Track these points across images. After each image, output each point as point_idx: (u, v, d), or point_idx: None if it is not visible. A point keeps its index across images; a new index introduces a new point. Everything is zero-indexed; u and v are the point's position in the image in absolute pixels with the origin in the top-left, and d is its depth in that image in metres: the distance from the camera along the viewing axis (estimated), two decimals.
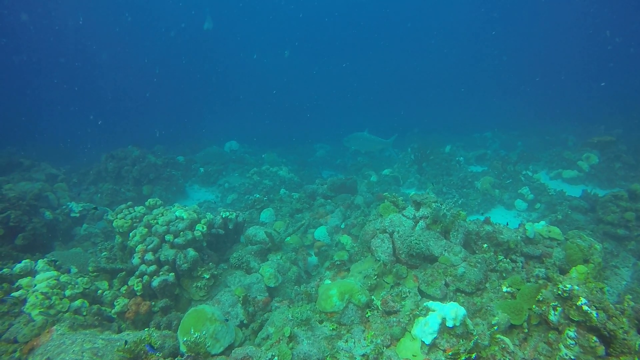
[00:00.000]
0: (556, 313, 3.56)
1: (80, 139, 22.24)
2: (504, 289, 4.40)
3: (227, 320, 4.82)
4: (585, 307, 3.30)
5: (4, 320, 4.86)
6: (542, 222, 6.31)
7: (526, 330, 3.88)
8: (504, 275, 5.08)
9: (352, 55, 44.56)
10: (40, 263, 5.88)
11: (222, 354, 4.34)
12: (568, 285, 3.50)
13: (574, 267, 4.06)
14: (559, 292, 3.54)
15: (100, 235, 9.59)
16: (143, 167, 13.47)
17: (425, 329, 3.77)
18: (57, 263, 6.25)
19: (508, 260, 5.36)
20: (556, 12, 37.19)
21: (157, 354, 3.48)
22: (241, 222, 7.42)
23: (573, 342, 3.34)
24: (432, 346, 3.77)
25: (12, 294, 5.03)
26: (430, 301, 4.08)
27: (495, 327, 3.63)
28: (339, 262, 6.03)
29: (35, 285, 5.23)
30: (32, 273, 5.60)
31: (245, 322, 5.33)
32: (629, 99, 24.95)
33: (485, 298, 4.51)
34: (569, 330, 3.41)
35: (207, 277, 5.72)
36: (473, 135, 23.18)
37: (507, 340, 3.63)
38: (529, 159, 15.64)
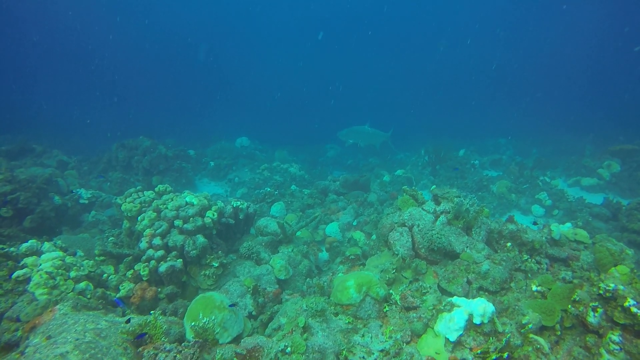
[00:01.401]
0: (596, 315, 3.27)
1: (93, 130, 22.28)
2: (534, 287, 4.11)
3: (235, 305, 4.58)
4: (634, 309, 3.01)
5: (8, 298, 4.69)
6: (568, 224, 5.99)
7: (559, 333, 3.59)
8: (530, 275, 4.79)
9: (364, 57, 44.36)
10: (47, 244, 5.72)
11: (230, 343, 4.11)
12: (612, 285, 3.21)
13: (613, 268, 3.76)
14: (601, 291, 3.25)
15: (107, 223, 9.45)
16: (153, 157, 13.37)
17: (450, 325, 3.49)
18: (64, 246, 6.09)
19: (534, 260, 5.07)
20: (572, 19, 36.57)
21: (125, 309, 3.27)
22: (252, 213, 7.20)
23: (618, 347, 3.04)
24: (457, 344, 3.49)
25: (16, 272, 4.86)
26: (455, 297, 3.80)
27: (530, 326, 3.33)
28: (352, 257, 5.78)
29: (40, 265, 5.06)
30: (37, 253, 5.44)
31: (254, 313, 5.09)
32: None
33: (511, 297, 4.23)
34: (613, 334, 3.12)
35: (216, 265, 5.50)
36: (486, 141, 22.78)
37: (541, 340, 3.34)
38: (546, 166, 15.23)
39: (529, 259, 4.98)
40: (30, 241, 5.56)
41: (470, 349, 3.40)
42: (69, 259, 5.31)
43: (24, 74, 34.06)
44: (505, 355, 3.14)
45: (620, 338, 3.07)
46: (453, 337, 3.46)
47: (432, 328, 3.71)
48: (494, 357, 3.13)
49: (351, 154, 21.36)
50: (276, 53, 44.35)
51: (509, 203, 11.71)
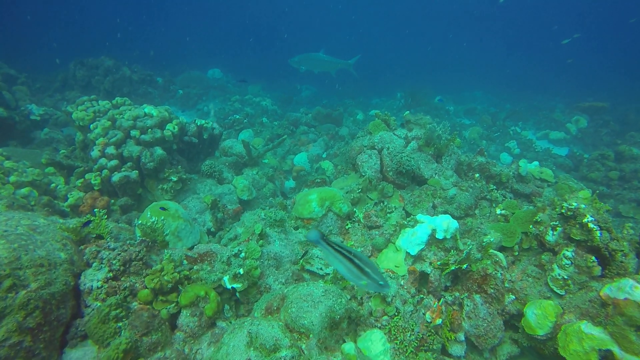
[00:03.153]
0: (555, 233, 3.27)
1: (53, 49, 20.34)
2: (498, 211, 4.09)
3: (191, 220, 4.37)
4: (591, 225, 3.00)
5: None
6: (536, 162, 6.02)
7: (516, 254, 3.61)
8: (494, 205, 4.80)
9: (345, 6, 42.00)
10: None
11: None
12: (574, 203, 3.18)
13: (579, 192, 3.77)
14: (563, 210, 3.22)
15: (63, 142, 8.79)
16: (116, 79, 12.41)
17: (413, 239, 3.42)
18: (5, 154, 5.57)
19: (500, 192, 5.07)
20: None
21: (89, 226, 3.02)
22: (217, 135, 6.80)
23: (569, 261, 3.06)
24: (418, 258, 3.45)
25: None
26: (420, 214, 3.72)
27: (491, 240, 3.31)
28: (319, 180, 5.60)
29: None
30: None
31: (212, 229, 4.91)
32: (616, 73, 24.78)
33: (475, 222, 4.22)
34: (567, 250, 3.13)
35: (175, 180, 5.20)
36: (463, 93, 22.66)
37: (500, 255, 3.34)
38: (518, 118, 15.35)
39: (495, 190, 4.97)
40: None
41: (430, 263, 3.37)
42: (8, 164, 4.86)
43: None
44: (465, 266, 3.11)
45: (573, 254, 3.09)
46: (414, 251, 3.40)
47: (394, 243, 3.64)
48: (452, 267, 3.10)
49: (326, 94, 20.77)
50: None
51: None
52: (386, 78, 25.06)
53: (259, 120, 9.93)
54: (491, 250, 3.29)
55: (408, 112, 5.53)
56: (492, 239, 3.27)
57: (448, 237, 3.42)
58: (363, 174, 4.79)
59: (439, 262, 3.26)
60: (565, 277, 3.08)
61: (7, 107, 8.92)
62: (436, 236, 3.45)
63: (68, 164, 5.64)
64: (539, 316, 2.81)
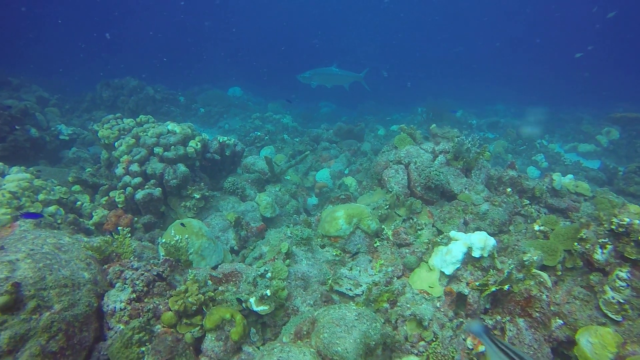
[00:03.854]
0: (605, 251, 3.01)
1: (80, 70, 21.19)
2: (536, 227, 3.85)
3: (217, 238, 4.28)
4: None
5: None
6: (570, 176, 5.72)
7: (559, 273, 3.35)
8: (529, 221, 4.54)
9: (363, 18, 42.41)
10: (15, 168, 5.28)
11: None
12: (626, 219, 2.93)
13: (630, 205, 3.49)
14: (613, 226, 2.97)
15: (89, 160, 8.97)
16: (140, 98, 12.72)
17: (447, 257, 3.22)
18: (36, 172, 5.66)
19: (534, 207, 4.80)
20: None
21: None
22: (239, 152, 6.77)
23: (624, 283, 2.80)
24: (453, 278, 3.24)
25: None
26: (453, 231, 3.52)
27: (534, 258, 3.07)
28: (343, 196, 5.45)
29: (4, 185, 4.65)
30: (2, 175, 5.01)
31: (235, 248, 4.81)
32: None
33: (511, 238, 3.97)
34: (620, 270, 2.87)
35: (198, 197, 5.15)
36: (484, 106, 22.31)
37: (544, 275, 3.10)
38: (544, 131, 14.90)
39: (530, 205, 4.71)
40: None
41: (467, 283, 3.15)
42: (37, 182, 4.90)
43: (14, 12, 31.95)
44: (506, 287, 2.89)
45: (629, 274, 2.82)
46: (449, 271, 3.19)
47: (427, 262, 3.44)
48: (493, 288, 2.88)
49: (345, 111, 20.82)
50: (274, 9, 42.22)
51: (505, 163, 11.44)
52: (405, 93, 24.99)
53: (280, 137, 9.92)
54: (534, 270, 3.06)
55: (434, 125, 5.37)
56: (535, 258, 3.04)
57: (485, 255, 3.21)
58: (390, 190, 4.63)
59: (477, 283, 3.04)
60: (621, 300, 2.81)
61: (39, 127, 9.21)
62: (472, 254, 3.23)
63: (93, 182, 5.68)
64: (595, 345, 2.55)
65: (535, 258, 3.07)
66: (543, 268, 3.38)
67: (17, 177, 4.76)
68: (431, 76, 32.32)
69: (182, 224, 3.87)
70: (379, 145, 9.30)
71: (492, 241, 3.23)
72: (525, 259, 3.07)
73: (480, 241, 3.19)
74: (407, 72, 32.12)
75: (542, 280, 3.02)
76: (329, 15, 42.61)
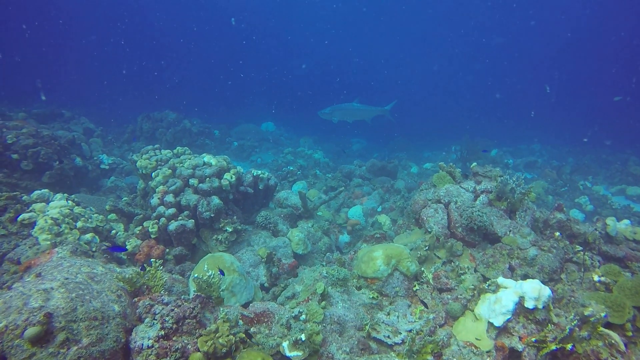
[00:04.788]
0: None
1: (122, 102, 22.49)
2: (596, 277, 3.50)
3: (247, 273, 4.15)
4: None
5: (11, 240, 4.44)
6: (626, 221, 5.29)
7: (630, 334, 2.97)
8: (583, 270, 4.16)
9: (395, 57, 43.30)
10: (59, 195, 5.45)
11: None
12: None
13: None
14: None
15: (126, 189, 9.24)
16: (177, 131, 13.19)
17: (496, 307, 2.94)
18: (76, 200, 5.84)
19: (588, 254, 4.42)
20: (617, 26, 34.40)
21: (123, 253, 2.87)
22: (272, 186, 6.75)
23: None
24: (503, 330, 2.94)
25: (22, 215, 4.60)
26: (501, 277, 3.24)
27: (602, 314, 2.74)
28: (378, 235, 5.24)
29: (47, 211, 4.78)
30: (47, 201, 5.18)
31: (266, 285, 4.65)
32: None
33: (565, 288, 3.62)
34: None
35: (230, 230, 5.09)
36: (519, 146, 21.72)
37: (615, 336, 2.75)
38: (587, 172, 14.23)
39: (583, 252, 4.34)
40: (43, 190, 5.31)
41: (520, 338, 2.84)
42: (77, 210, 5.01)
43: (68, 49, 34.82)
44: (569, 347, 2.57)
45: None
46: (498, 322, 2.91)
47: (472, 311, 3.17)
48: (553, 347, 2.57)
49: (376, 147, 20.80)
50: (310, 46, 43.97)
51: (545, 205, 10.88)
52: (436, 131, 24.79)
53: (312, 172, 9.91)
54: (602, 329, 2.72)
55: (475, 163, 5.16)
56: (603, 314, 2.71)
57: (540, 307, 2.91)
58: (429, 230, 4.41)
59: (533, 339, 2.73)
60: None
61: (83, 157, 9.65)
62: (525, 305, 2.94)
63: (129, 211, 5.77)
64: None
65: (604, 315, 2.74)
66: (608, 326, 3.02)
67: (59, 204, 4.90)
68: (463, 115, 32.07)
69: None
70: (412, 183, 9.09)
71: (547, 291, 2.94)
72: (587, 313, 2.75)
73: (534, 290, 2.90)
74: (439, 114, 32.08)
75: (613, 341, 2.68)
76: (365, 50, 43.81)
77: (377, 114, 10.95)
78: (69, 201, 5.15)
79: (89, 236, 4.72)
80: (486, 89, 39.00)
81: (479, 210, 4.29)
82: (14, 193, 5.07)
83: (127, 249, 2.93)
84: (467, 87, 39.71)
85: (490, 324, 2.96)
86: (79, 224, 4.82)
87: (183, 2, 40.26)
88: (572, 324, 2.62)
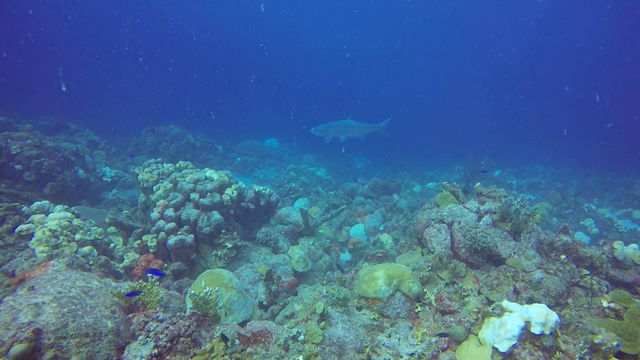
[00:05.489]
0: None
1: (127, 116, 22.70)
2: (605, 303, 3.39)
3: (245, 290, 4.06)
4: None
5: (7, 251, 4.38)
6: (634, 245, 5.19)
7: None
8: (590, 295, 4.05)
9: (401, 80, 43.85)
10: (59, 207, 5.41)
11: None
12: None
13: None
14: None
15: (127, 203, 9.21)
16: (181, 145, 13.24)
17: (501, 331, 2.84)
18: (76, 212, 5.80)
19: (595, 279, 4.31)
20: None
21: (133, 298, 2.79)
22: (274, 202, 6.70)
23: None
24: (509, 356, 2.83)
25: (19, 226, 4.55)
26: (506, 300, 3.15)
27: (614, 343, 2.64)
28: (380, 255, 5.15)
29: (45, 223, 4.73)
30: (47, 213, 5.14)
31: (265, 303, 4.55)
32: None
33: (572, 313, 3.51)
34: None
35: (230, 246, 5.02)
36: (523, 167, 21.65)
37: None
38: (591, 194, 14.09)
39: (590, 276, 4.23)
40: (43, 201, 5.28)
41: None
42: (76, 222, 4.97)
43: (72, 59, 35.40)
44: None
45: None
46: (504, 348, 2.80)
47: (476, 335, 3.06)
48: None
49: (379, 166, 20.81)
50: (313, 65, 44.60)
51: (549, 227, 10.74)
52: (439, 150, 24.83)
53: (315, 190, 9.86)
54: (614, 359, 2.62)
55: (479, 183, 5.11)
56: (615, 343, 2.61)
57: (547, 332, 2.80)
58: (432, 250, 4.32)
59: None
60: None
61: (86, 169, 9.67)
62: (531, 330, 2.84)
63: (128, 225, 5.71)
64: None
65: (616, 344, 2.63)
66: (619, 355, 2.90)
67: (58, 215, 4.85)
68: (468, 135, 32.18)
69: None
70: (415, 203, 9.01)
71: (554, 316, 2.84)
72: (597, 341, 2.65)
73: (541, 315, 2.80)
74: (442, 134, 32.23)
75: None
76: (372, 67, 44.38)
77: (371, 131, 10.86)
78: (69, 213, 5.11)
79: (86, 249, 4.66)
80: (492, 110, 39.30)
81: (482, 231, 4.21)
82: (14, 204, 5.04)
83: (164, 274, 2.80)
84: (473, 107, 39.99)
85: (495, 350, 2.85)
86: (77, 236, 4.77)
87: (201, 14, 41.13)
88: (582, 352, 2.52)
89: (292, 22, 43.49)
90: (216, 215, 5.05)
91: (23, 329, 2.17)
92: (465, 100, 41.70)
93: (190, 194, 5.23)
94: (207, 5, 41.34)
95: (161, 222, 4.92)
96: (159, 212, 5.03)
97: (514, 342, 2.80)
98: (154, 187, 5.48)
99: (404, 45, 42.79)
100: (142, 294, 2.92)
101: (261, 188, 6.37)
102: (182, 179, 5.55)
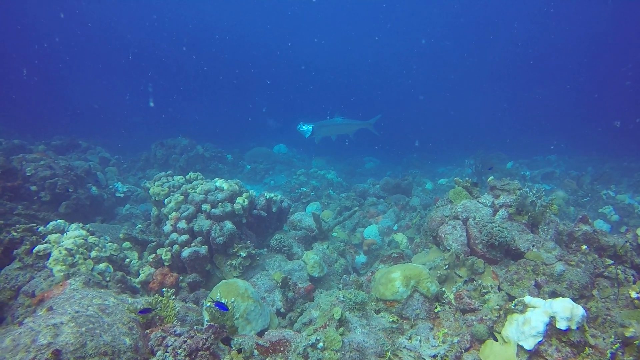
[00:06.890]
0: None
1: (138, 130, 23.02)
2: (633, 294, 3.27)
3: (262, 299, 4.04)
4: None
5: (26, 272, 4.43)
6: None
7: None
8: (616, 285, 3.92)
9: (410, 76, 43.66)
10: (74, 225, 5.47)
11: None
12: None
13: None
14: None
15: (140, 217, 9.30)
16: (190, 157, 13.34)
17: (525, 328, 2.76)
18: (91, 230, 5.86)
19: (620, 268, 4.18)
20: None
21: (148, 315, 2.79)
22: (286, 208, 6.68)
23: None
24: (535, 354, 2.74)
25: (37, 247, 4.61)
26: (528, 296, 3.06)
27: (638, 342, 2.54)
28: (395, 255, 5.09)
29: (62, 242, 4.79)
30: (62, 232, 5.20)
31: (282, 310, 4.52)
32: None
33: (599, 306, 3.41)
34: None
35: (244, 255, 5.01)
36: (535, 157, 21.27)
37: None
38: (608, 180, 13.76)
39: (614, 265, 4.11)
40: (58, 220, 5.34)
41: None
42: (91, 239, 5.01)
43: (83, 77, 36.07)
44: None
45: None
46: (529, 345, 2.72)
47: (499, 333, 2.98)
48: None
49: (390, 166, 20.67)
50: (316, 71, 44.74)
51: (567, 217, 10.51)
52: (449, 145, 24.58)
53: (326, 193, 9.82)
54: None
55: (492, 177, 5.01)
56: (637, 335, 2.51)
57: (574, 327, 2.71)
58: (448, 248, 4.25)
59: None
60: None
61: (99, 186, 9.79)
62: (557, 326, 2.75)
63: (142, 239, 5.75)
64: None
65: None
66: None
67: (74, 234, 4.90)
68: (477, 128, 31.81)
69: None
70: (428, 200, 8.91)
71: (580, 310, 2.75)
72: (629, 335, 2.55)
73: (566, 310, 2.71)
74: (452, 129, 31.88)
75: None
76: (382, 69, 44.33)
77: (360, 128, 10.68)
78: (84, 231, 5.16)
79: (102, 266, 4.70)
80: (499, 102, 38.83)
81: (499, 226, 4.12)
82: (30, 225, 5.12)
83: (228, 309, 2.76)
84: (480, 100, 39.56)
85: (520, 347, 2.77)
86: (93, 253, 4.81)
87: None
88: (614, 347, 2.43)
89: (298, 23, 43.74)
90: (229, 225, 5.04)
91: (43, 351, 2.17)
92: (473, 94, 41.28)
93: (202, 205, 5.24)
94: (209, 15, 41.80)
95: (174, 235, 4.94)
96: (171, 225, 5.05)
97: (540, 339, 2.72)
98: (165, 200, 5.50)
99: (414, 41, 42.67)
100: (156, 310, 2.91)
101: (272, 195, 6.35)
102: (193, 190, 5.57)
